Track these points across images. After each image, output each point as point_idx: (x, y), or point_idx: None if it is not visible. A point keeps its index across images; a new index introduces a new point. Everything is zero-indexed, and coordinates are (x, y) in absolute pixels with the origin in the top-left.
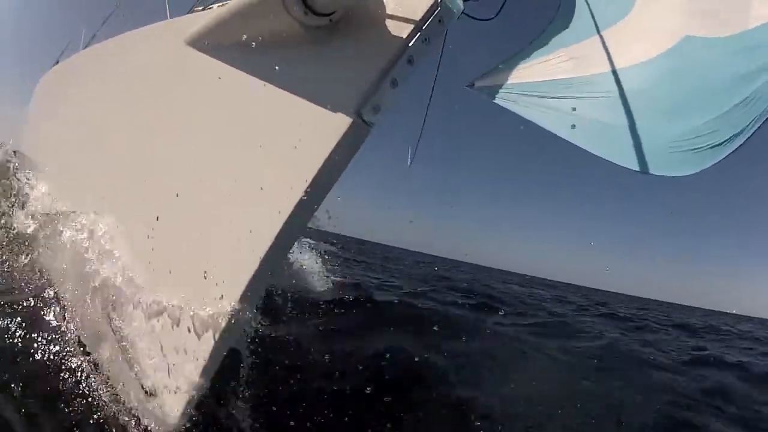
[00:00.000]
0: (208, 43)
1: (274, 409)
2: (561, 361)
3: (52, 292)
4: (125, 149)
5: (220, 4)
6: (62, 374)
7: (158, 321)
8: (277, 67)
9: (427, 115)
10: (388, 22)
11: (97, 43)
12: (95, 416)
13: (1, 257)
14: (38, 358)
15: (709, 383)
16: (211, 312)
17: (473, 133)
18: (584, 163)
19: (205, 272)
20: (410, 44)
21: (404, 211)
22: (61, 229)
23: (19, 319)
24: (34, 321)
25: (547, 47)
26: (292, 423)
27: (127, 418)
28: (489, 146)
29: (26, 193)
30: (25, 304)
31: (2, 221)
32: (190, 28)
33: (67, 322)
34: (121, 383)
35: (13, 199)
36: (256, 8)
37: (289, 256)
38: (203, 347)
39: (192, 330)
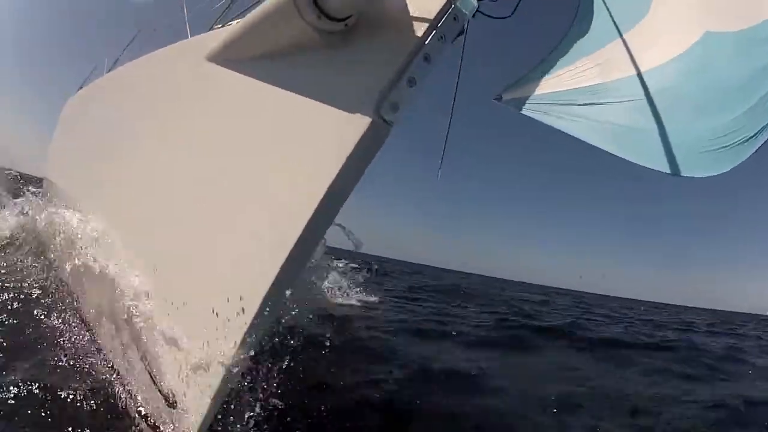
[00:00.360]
0: (227, 57)
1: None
2: None
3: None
4: (151, 169)
5: (239, 21)
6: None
7: (178, 332)
8: (294, 75)
9: (451, 121)
10: (403, 22)
11: (120, 66)
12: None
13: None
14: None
15: None
16: (228, 326)
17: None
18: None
19: (226, 284)
20: (426, 42)
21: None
22: (92, 255)
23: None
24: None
25: (570, 55)
26: None
27: (146, 428)
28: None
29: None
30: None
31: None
32: (210, 45)
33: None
34: (144, 393)
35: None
36: (271, 18)
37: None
38: (221, 360)
39: (208, 344)
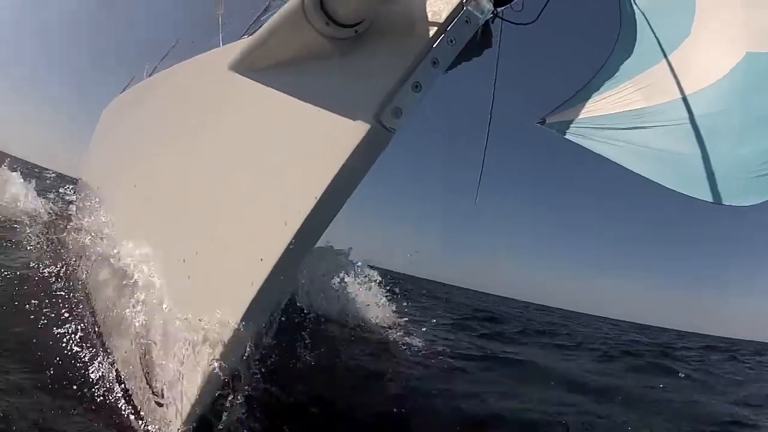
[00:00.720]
0: (245, 67)
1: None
2: None
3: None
4: (172, 172)
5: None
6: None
7: (172, 330)
8: (306, 83)
9: (489, 132)
10: (413, 26)
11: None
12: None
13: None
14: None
15: None
16: (217, 325)
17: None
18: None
19: (218, 283)
20: (434, 45)
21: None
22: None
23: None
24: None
25: (615, 78)
26: None
27: (137, 423)
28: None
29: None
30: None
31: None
32: (233, 55)
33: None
34: (137, 388)
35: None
36: (282, 27)
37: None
38: (207, 361)
39: (198, 344)
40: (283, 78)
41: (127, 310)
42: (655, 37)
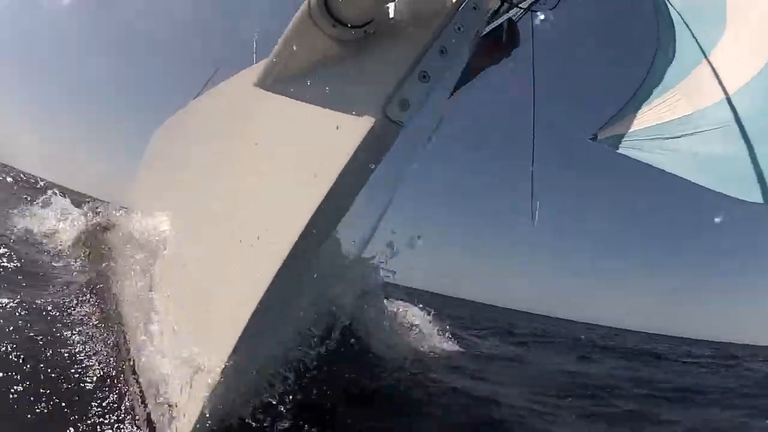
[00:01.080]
0: (269, 81)
1: None
2: None
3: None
4: (209, 192)
5: None
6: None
7: (182, 330)
8: (320, 88)
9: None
10: (420, 17)
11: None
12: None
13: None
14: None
15: None
16: (224, 330)
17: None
18: None
19: (227, 288)
20: (441, 34)
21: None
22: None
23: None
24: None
25: (661, 87)
26: None
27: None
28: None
29: None
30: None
31: None
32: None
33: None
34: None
35: None
36: (294, 35)
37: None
38: (217, 363)
39: (207, 346)
40: (299, 87)
41: None
42: (694, 38)
